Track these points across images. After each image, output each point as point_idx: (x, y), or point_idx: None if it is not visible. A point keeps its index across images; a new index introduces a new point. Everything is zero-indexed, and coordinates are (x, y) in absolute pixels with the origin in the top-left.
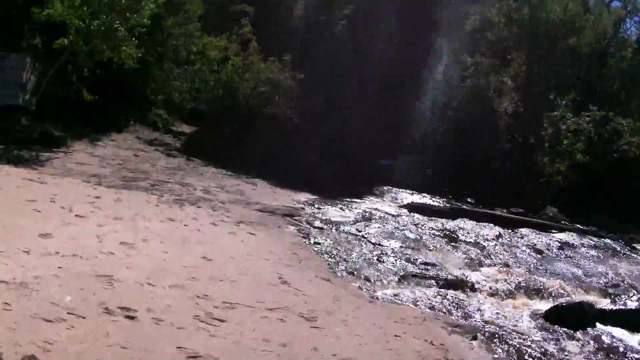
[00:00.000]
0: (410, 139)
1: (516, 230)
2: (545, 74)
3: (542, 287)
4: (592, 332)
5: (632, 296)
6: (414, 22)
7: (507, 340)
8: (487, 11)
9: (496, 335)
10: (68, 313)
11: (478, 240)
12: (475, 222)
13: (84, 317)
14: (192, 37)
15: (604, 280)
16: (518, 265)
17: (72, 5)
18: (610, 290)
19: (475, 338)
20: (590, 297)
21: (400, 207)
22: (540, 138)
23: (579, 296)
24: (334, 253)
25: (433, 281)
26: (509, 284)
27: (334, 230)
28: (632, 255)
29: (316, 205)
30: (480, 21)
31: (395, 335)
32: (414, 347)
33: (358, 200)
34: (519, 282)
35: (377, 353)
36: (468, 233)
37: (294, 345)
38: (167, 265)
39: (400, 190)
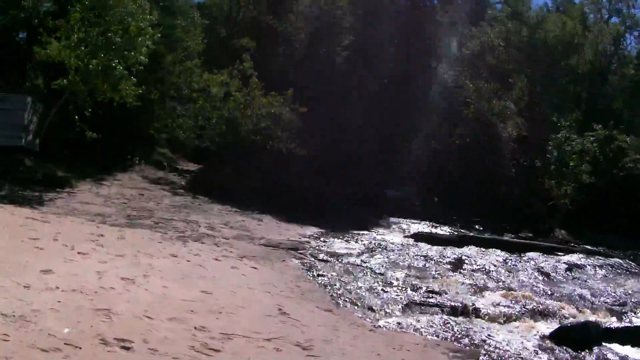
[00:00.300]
0: (415, 168)
1: (523, 255)
2: (547, 95)
3: (547, 309)
4: (597, 351)
5: (638, 313)
6: (415, 50)
7: None
8: (486, 35)
9: (498, 359)
10: (65, 344)
11: (484, 267)
12: (482, 248)
13: (80, 348)
14: (192, 74)
15: (612, 299)
16: (523, 289)
17: (69, 45)
18: (617, 309)
19: None
20: (597, 317)
21: (407, 237)
22: (546, 161)
23: (585, 316)
24: (338, 284)
25: (437, 308)
26: (514, 308)
27: (338, 262)
28: None
29: (322, 239)
30: (480, 45)
31: None
32: None
33: (364, 232)
34: (524, 306)
35: None
36: (474, 260)
37: None
38: (167, 299)
39: (407, 220)
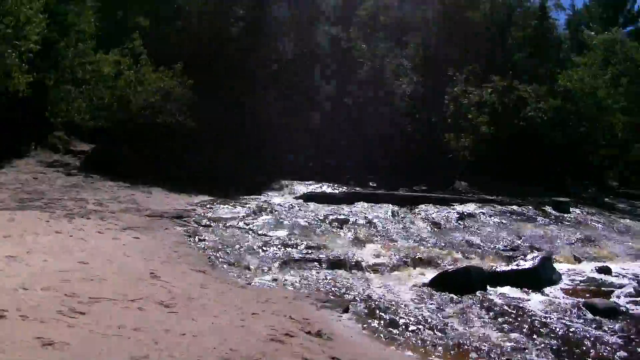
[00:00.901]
0: (312, 132)
1: (415, 208)
2: (442, 51)
3: (432, 258)
4: (480, 295)
5: (527, 257)
6: (308, 15)
7: (383, 310)
8: None
9: (371, 307)
10: None
11: (370, 221)
12: (372, 204)
13: None
14: (85, 56)
15: (503, 244)
16: (410, 240)
17: None
18: (508, 254)
19: (346, 311)
20: (485, 262)
21: (296, 198)
22: (443, 115)
23: (472, 262)
24: (217, 247)
25: (316, 263)
26: (396, 258)
27: (221, 227)
28: (538, 218)
29: (208, 206)
30: (373, 6)
31: (253, 314)
32: (269, 323)
33: (255, 197)
34: (406, 256)
35: (227, 329)
36: (361, 215)
37: (147, 329)
38: (44, 272)
39: (301, 182)
